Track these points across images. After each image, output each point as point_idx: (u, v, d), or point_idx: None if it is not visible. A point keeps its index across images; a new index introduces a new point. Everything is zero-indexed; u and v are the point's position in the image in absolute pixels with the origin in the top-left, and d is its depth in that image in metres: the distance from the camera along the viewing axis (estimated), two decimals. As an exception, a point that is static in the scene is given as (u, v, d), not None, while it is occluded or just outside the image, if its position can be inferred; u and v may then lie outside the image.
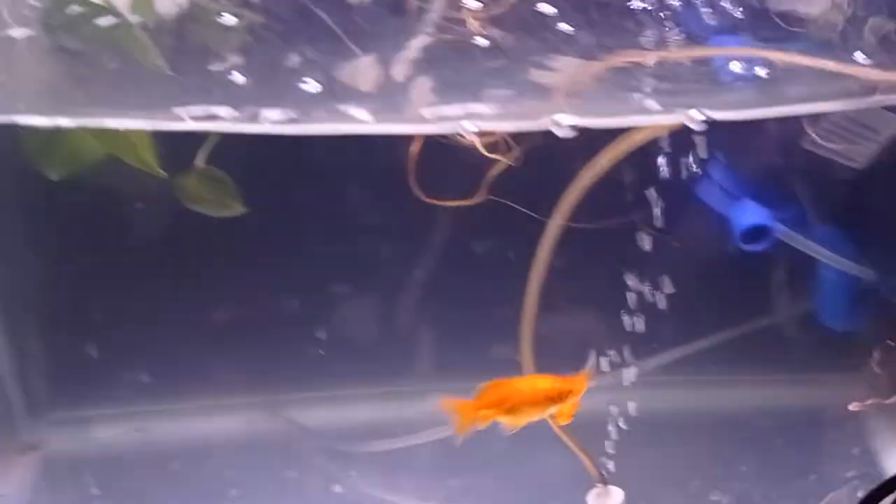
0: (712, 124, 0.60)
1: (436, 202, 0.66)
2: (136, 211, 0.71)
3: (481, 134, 0.57)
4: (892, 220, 0.74)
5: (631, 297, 0.69)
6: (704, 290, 0.75)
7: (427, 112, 0.51)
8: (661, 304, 0.69)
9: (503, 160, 0.60)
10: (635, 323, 0.70)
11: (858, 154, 0.62)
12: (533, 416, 0.54)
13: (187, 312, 0.76)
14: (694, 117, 0.52)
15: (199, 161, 0.60)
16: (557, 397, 0.53)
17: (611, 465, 0.71)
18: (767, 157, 0.64)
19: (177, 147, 0.60)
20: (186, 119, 0.49)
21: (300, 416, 0.80)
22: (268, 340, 0.77)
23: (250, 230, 0.71)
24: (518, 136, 0.60)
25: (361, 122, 0.51)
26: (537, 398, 0.53)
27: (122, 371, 0.78)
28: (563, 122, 0.51)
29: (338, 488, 0.76)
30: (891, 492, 0.68)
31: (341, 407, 0.82)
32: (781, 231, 0.65)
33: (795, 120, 0.60)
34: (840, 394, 0.84)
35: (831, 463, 0.81)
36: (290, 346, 0.78)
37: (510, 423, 0.54)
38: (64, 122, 0.52)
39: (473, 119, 0.52)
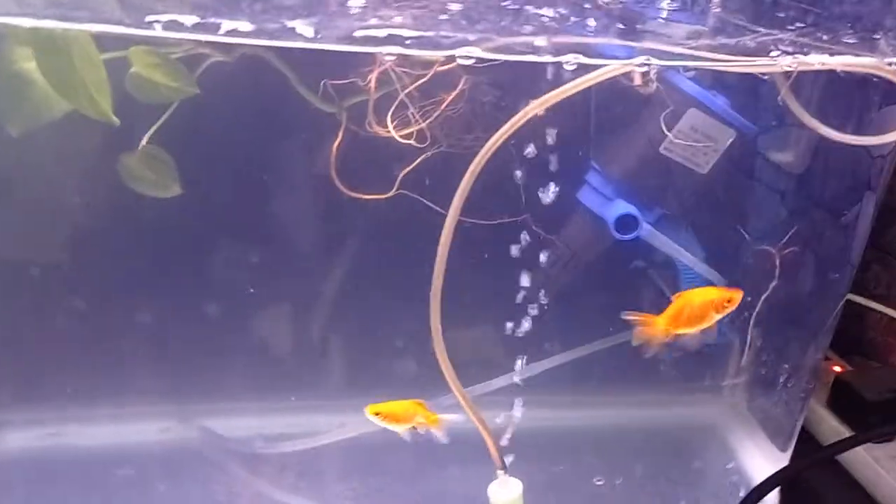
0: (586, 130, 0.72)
1: (357, 196, 0.70)
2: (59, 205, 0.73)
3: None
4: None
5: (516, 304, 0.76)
6: (579, 299, 0.83)
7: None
8: (540, 312, 0.76)
9: (412, 143, 0.66)
10: (519, 330, 0.77)
11: (703, 162, 0.74)
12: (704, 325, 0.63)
13: (103, 316, 0.79)
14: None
15: (144, 140, 0.67)
16: (721, 306, 0.63)
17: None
18: (636, 161, 0.73)
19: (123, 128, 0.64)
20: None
21: (214, 424, 0.82)
22: (182, 347, 0.80)
23: (167, 232, 0.74)
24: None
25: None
26: (707, 308, 0.63)
27: (35, 376, 0.80)
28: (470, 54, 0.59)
29: (248, 493, 0.79)
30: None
31: (255, 416, 0.84)
32: (647, 229, 0.75)
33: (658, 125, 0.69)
34: (706, 408, 0.92)
35: (703, 476, 0.87)
36: (205, 354, 0.81)
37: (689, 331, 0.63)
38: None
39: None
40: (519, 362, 0.81)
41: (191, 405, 0.84)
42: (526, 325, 0.77)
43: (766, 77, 0.63)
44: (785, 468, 0.80)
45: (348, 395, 0.86)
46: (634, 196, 0.73)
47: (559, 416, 0.89)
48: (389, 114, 0.65)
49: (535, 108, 0.60)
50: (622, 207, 0.71)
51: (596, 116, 0.71)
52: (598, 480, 0.85)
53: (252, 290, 0.78)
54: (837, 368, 1.04)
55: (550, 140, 0.69)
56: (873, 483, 0.91)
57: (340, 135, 0.68)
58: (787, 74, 0.62)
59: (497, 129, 0.62)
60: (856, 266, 0.82)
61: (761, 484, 0.78)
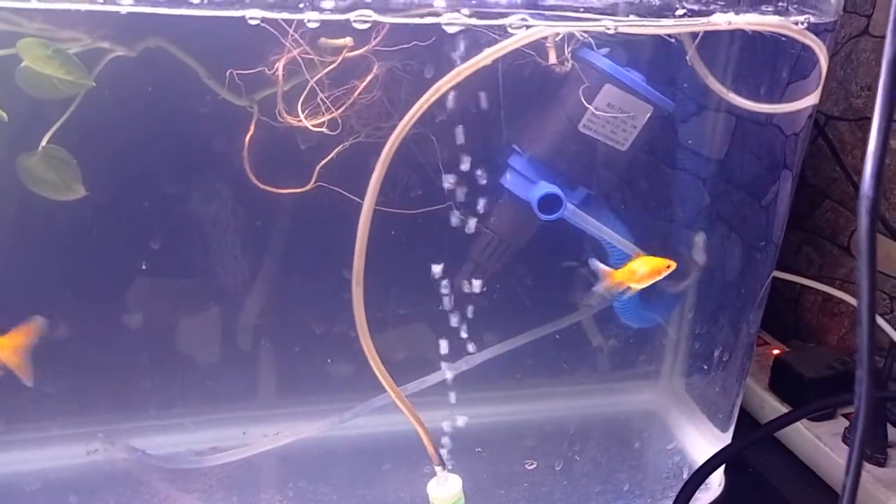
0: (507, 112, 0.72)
1: (271, 189, 0.68)
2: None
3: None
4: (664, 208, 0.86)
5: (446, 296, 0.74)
6: (513, 288, 0.82)
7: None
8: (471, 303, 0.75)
9: (325, 131, 0.65)
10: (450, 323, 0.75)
11: (622, 139, 0.73)
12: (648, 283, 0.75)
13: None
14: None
15: (44, 141, 0.64)
16: (664, 269, 0.75)
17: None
18: (557, 141, 0.72)
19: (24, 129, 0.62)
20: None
21: (142, 443, 0.79)
22: (103, 364, 0.77)
23: (75, 238, 0.71)
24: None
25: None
26: (654, 270, 0.75)
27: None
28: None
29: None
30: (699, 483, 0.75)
31: (185, 432, 0.81)
32: (571, 209, 0.74)
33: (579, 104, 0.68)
34: (644, 393, 0.91)
35: (646, 460, 0.86)
36: (128, 370, 0.78)
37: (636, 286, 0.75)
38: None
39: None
40: (450, 357, 0.78)
41: (118, 425, 0.81)
42: (457, 317, 0.74)
43: (673, 39, 0.63)
44: (727, 447, 0.79)
45: (280, 404, 0.83)
46: (558, 177, 0.72)
47: (498, 410, 0.87)
48: (300, 102, 0.63)
49: (445, 84, 0.58)
50: (545, 188, 0.70)
51: (515, 99, 0.70)
52: (530, 465, 0.83)
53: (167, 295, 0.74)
54: (777, 352, 1.04)
55: (471, 126, 0.68)
56: (817, 460, 0.91)
57: (252, 127, 0.66)
58: (693, 35, 0.61)
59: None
60: (778, 245, 0.81)
61: (704, 464, 0.77)
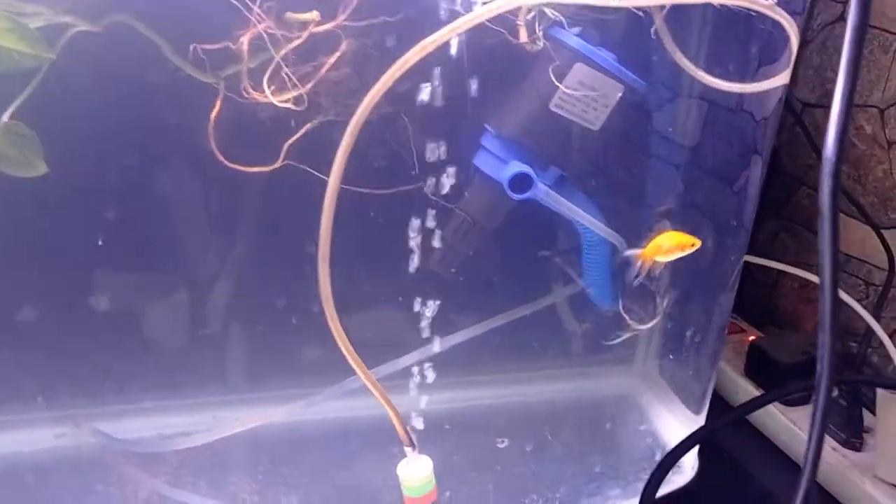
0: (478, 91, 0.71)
1: (239, 168, 0.66)
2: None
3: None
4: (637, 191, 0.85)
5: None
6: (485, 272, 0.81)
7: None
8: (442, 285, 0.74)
9: (291, 107, 0.63)
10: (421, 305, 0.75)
11: (594, 118, 0.73)
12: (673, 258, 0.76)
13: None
14: None
15: (5, 117, 0.63)
16: (689, 246, 0.76)
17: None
18: (528, 121, 0.71)
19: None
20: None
21: (110, 427, 0.78)
22: (70, 347, 0.76)
23: (39, 218, 0.70)
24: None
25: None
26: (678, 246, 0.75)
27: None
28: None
29: (148, 496, 0.74)
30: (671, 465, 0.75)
31: (153, 416, 0.80)
32: (543, 190, 0.74)
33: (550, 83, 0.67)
34: (619, 378, 0.91)
35: (619, 442, 0.86)
36: (96, 354, 0.77)
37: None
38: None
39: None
40: (421, 340, 0.78)
41: (86, 409, 0.80)
42: (428, 299, 0.74)
43: (643, 13, 0.62)
44: (699, 429, 0.79)
45: (250, 388, 0.82)
46: (530, 157, 0.71)
47: (470, 394, 0.87)
48: (265, 77, 0.63)
49: (411, 56, 0.58)
50: (516, 167, 0.69)
51: (486, 78, 0.69)
52: (501, 442, 0.83)
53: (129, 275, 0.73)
54: (753, 339, 1.04)
55: (443, 105, 0.68)
56: (792, 445, 0.91)
57: (218, 104, 0.65)
58: (661, 7, 0.61)
59: (388, 94, 0.61)
60: (749, 230, 0.81)
61: (677, 446, 0.77)
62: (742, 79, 0.74)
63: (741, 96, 0.77)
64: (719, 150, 0.81)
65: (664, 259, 0.77)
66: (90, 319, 0.76)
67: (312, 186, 0.64)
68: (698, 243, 0.75)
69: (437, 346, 0.80)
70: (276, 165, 0.69)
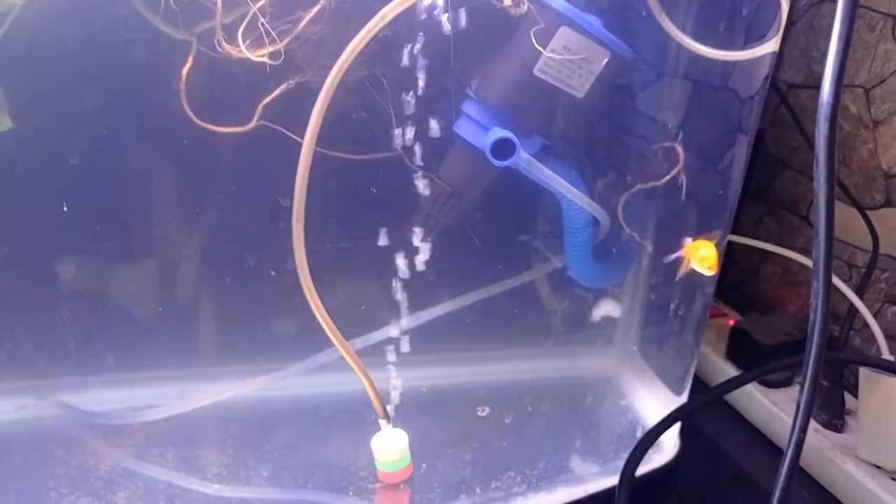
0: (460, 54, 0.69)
1: (211, 127, 0.64)
2: None
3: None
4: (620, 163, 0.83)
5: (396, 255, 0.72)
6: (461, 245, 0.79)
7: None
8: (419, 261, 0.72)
9: (266, 62, 0.61)
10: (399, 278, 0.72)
11: (578, 84, 0.71)
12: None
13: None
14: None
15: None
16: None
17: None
18: (512, 86, 0.69)
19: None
20: None
21: (77, 399, 0.76)
22: (35, 317, 0.74)
23: (4, 174, 0.68)
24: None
25: None
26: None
27: None
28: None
29: (112, 468, 0.72)
30: (650, 444, 0.73)
31: (121, 388, 0.78)
32: (525, 158, 0.71)
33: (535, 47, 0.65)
34: (598, 357, 0.89)
35: (601, 424, 0.84)
36: (62, 324, 0.75)
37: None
38: None
39: None
40: (398, 313, 0.76)
41: (50, 380, 0.78)
42: (406, 272, 0.71)
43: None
44: (680, 407, 0.77)
45: (221, 362, 0.80)
46: (513, 125, 0.69)
47: (449, 370, 0.85)
48: (240, 30, 0.60)
49: (389, 10, 0.56)
50: (499, 133, 0.67)
51: (469, 41, 0.67)
52: (482, 411, 0.81)
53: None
54: (734, 322, 1.03)
55: (424, 71, 0.66)
56: (773, 427, 0.90)
57: (190, 60, 0.62)
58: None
59: (367, 55, 0.60)
60: (733, 210, 0.80)
61: (656, 425, 0.75)
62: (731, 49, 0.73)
63: (726, 74, 0.76)
64: (704, 128, 0.79)
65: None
66: (56, 288, 0.74)
67: (287, 149, 0.61)
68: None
69: (413, 321, 0.77)
70: (251, 126, 0.66)
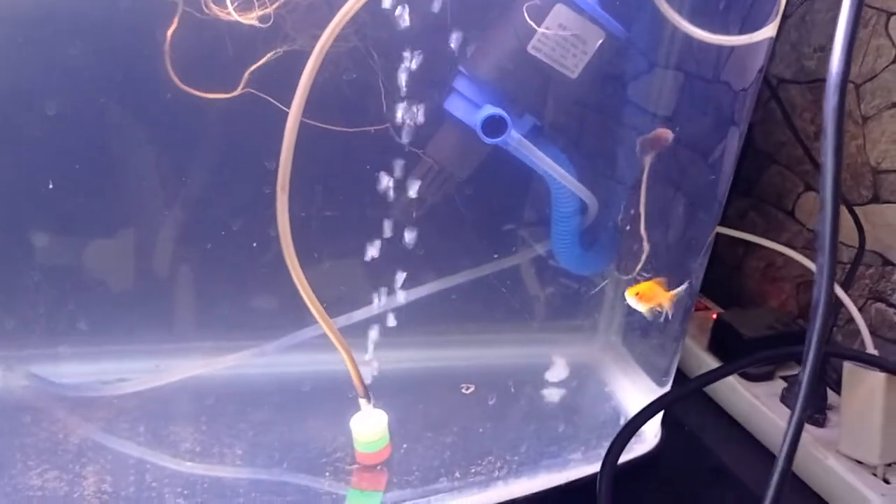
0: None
1: (195, 93, 0.62)
2: None
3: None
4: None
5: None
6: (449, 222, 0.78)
7: None
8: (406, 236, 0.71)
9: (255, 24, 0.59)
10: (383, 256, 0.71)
11: (572, 64, 0.70)
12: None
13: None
14: None
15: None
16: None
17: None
18: (505, 64, 0.67)
19: None
20: None
21: (44, 372, 0.73)
22: (5, 285, 0.71)
23: None
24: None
25: None
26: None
27: None
28: None
29: (81, 441, 0.70)
30: (633, 433, 0.72)
31: (90, 363, 0.76)
32: (516, 138, 0.70)
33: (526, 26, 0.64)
34: (580, 346, 0.88)
35: (582, 412, 0.83)
36: (32, 293, 0.72)
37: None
38: None
39: None
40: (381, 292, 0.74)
41: (19, 351, 0.75)
42: (390, 251, 0.70)
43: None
44: (662, 396, 0.76)
45: (198, 336, 0.78)
46: (505, 103, 0.68)
47: (430, 354, 0.83)
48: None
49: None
50: (490, 110, 0.66)
51: (462, 17, 0.66)
52: (467, 389, 0.79)
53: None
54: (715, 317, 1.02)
55: (415, 45, 0.65)
56: (754, 420, 0.90)
57: (175, 21, 0.60)
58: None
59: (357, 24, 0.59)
60: (723, 203, 0.79)
61: (640, 413, 0.74)
62: (721, 54, 0.72)
63: (719, 65, 0.75)
64: (695, 120, 0.78)
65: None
66: (28, 256, 0.71)
67: (273, 118, 0.59)
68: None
69: (397, 300, 0.76)
70: (236, 93, 0.64)
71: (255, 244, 0.71)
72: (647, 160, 0.74)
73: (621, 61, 0.77)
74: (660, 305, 0.74)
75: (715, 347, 0.98)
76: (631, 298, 0.73)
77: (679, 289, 0.75)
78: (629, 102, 0.81)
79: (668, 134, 0.75)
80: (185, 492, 0.65)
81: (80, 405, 0.72)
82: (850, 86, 0.93)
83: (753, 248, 1.10)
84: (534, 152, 0.71)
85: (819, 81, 0.98)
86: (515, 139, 0.70)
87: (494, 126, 0.67)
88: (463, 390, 0.79)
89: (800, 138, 0.98)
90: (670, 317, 0.76)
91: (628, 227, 0.79)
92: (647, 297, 0.74)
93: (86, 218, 0.71)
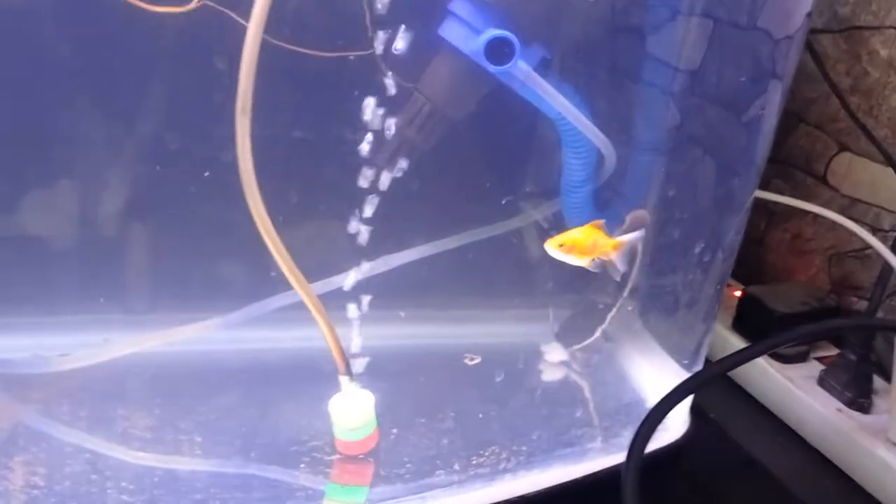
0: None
1: (145, 6, 0.51)
2: None
3: None
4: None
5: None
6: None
7: None
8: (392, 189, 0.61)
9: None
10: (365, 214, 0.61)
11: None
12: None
13: None
14: None
15: None
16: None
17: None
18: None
19: None
20: None
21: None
22: None
23: None
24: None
25: None
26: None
27: None
28: None
29: (12, 427, 0.59)
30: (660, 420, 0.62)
31: (28, 335, 0.65)
32: (525, 70, 0.59)
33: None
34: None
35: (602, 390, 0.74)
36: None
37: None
38: None
39: None
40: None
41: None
42: (374, 207, 0.59)
43: None
44: (692, 377, 0.65)
45: (153, 307, 0.67)
46: (509, 30, 0.58)
47: (428, 331, 0.74)
48: None
49: None
50: (494, 32, 0.55)
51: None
52: (471, 359, 0.69)
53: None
54: (738, 294, 0.91)
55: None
56: (788, 405, 0.80)
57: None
58: None
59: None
60: (762, 167, 0.71)
61: (666, 398, 0.63)
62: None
63: (754, 12, 0.67)
64: (727, 77, 0.70)
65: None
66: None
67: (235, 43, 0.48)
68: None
69: (384, 264, 0.65)
70: (191, 6, 0.53)
71: (207, 175, 0.60)
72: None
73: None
74: (605, 256, 0.61)
75: (742, 326, 0.87)
76: (553, 250, 0.59)
77: (631, 235, 0.63)
78: (650, 57, 0.70)
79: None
80: (131, 486, 0.55)
81: (13, 384, 0.61)
82: (891, 32, 0.83)
83: (778, 219, 1.00)
84: (544, 88, 0.60)
85: (855, 29, 0.88)
86: (524, 72, 0.59)
87: (500, 51, 0.57)
88: (466, 361, 0.68)
89: (839, 93, 0.88)
90: (632, 274, 0.65)
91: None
92: (579, 249, 0.60)
93: (20, 163, 0.59)
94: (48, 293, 0.64)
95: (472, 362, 0.69)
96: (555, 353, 0.75)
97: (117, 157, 0.61)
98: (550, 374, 0.74)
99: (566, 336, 0.76)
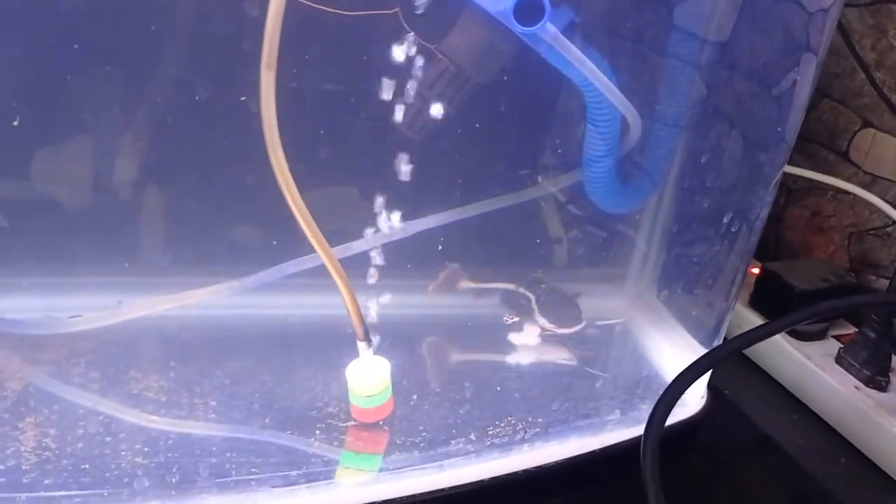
0: None
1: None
2: None
3: None
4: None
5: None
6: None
7: None
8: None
9: None
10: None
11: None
12: None
13: None
14: None
15: None
16: None
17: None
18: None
19: None
20: None
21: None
22: None
23: None
24: None
25: None
26: None
27: None
28: None
29: (23, 388, 0.58)
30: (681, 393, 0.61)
31: (42, 296, 0.64)
32: (553, 33, 0.58)
33: None
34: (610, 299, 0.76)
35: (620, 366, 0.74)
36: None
37: None
38: None
39: None
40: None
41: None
42: (397, 170, 0.58)
43: None
44: (711, 351, 0.64)
45: (168, 270, 0.66)
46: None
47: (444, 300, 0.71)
48: None
49: None
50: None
51: None
52: (510, 318, 0.69)
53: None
54: (756, 271, 0.90)
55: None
56: (806, 383, 0.79)
57: None
58: None
59: None
60: (791, 143, 0.69)
61: (687, 369, 0.62)
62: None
63: None
64: (758, 50, 0.69)
65: None
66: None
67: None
68: None
69: (405, 231, 0.64)
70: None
71: (225, 143, 0.58)
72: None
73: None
74: None
75: (759, 303, 0.86)
76: None
77: None
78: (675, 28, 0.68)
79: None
80: (146, 449, 0.54)
81: (25, 344, 0.60)
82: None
83: (797, 195, 0.98)
84: (571, 52, 0.58)
85: (882, 3, 0.86)
86: (552, 34, 0.57)
87: (528, 12, 0.55)
88: (506, 319, 0.67)
89: (865, 67, 0.86)
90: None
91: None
92: None
93: (32, 120, 0.57)
94: (62, 254, 0.63)
95: (512, 321, 0.68)
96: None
97: (134, 115, 0.60)
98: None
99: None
